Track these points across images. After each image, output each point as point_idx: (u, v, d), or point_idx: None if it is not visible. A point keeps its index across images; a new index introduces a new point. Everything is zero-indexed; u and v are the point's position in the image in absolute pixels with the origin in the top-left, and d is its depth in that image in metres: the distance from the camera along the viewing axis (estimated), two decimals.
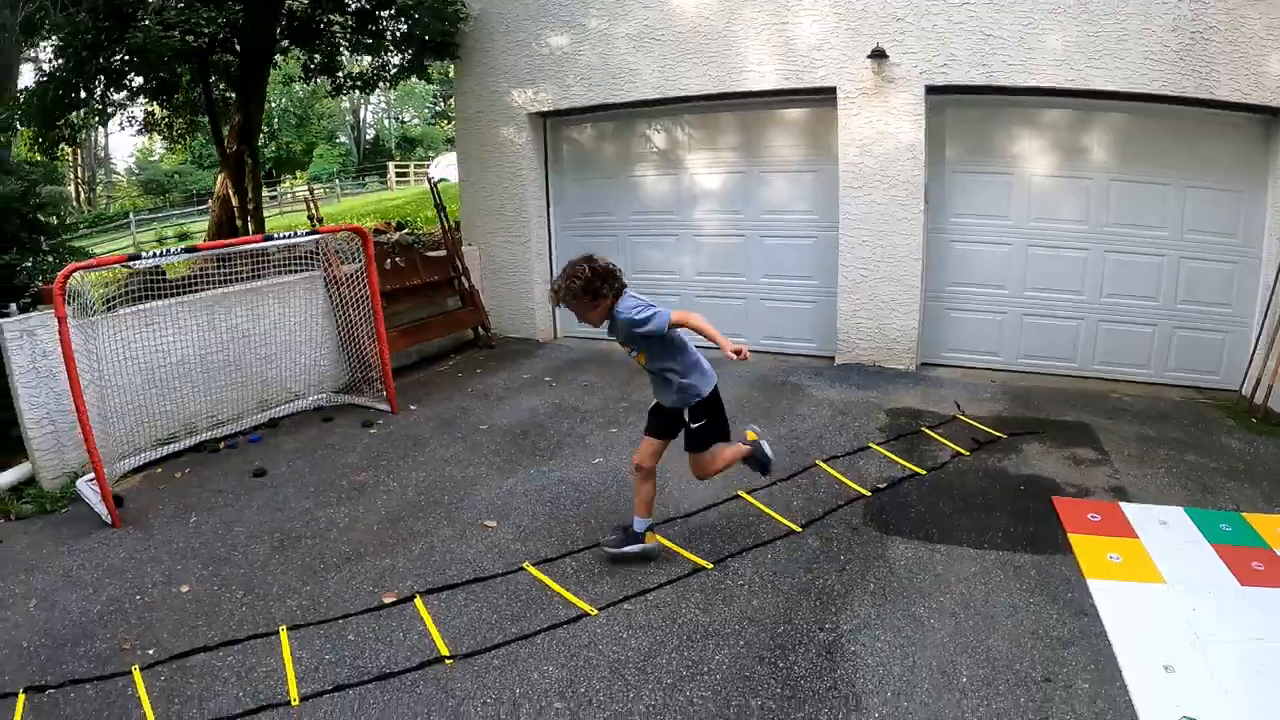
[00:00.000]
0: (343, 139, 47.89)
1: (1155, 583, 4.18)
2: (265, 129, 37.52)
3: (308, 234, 7.56)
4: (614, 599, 4.09)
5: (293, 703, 3.55)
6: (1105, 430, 6.36)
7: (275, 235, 7.34)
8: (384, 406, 7.57)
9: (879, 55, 7.61)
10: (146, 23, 8.25)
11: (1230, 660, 3.53)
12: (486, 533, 4.96)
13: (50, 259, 7.94)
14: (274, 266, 7.59)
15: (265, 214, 15.55)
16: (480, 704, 3.41)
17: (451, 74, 10.57)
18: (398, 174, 38.24)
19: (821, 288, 8.63)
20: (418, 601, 4.22)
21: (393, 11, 10.51)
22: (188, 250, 6.81)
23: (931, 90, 7.69)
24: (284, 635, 4.01)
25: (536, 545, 4.75)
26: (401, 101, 49.40)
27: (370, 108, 50.83)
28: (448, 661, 3.71)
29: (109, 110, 13.45)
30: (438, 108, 49.18)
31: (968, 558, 4.39)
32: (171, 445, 6.81)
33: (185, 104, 15.05)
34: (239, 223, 12.19)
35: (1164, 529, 4.75)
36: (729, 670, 3.48)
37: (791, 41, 8.08)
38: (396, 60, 11.83)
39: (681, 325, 4.28)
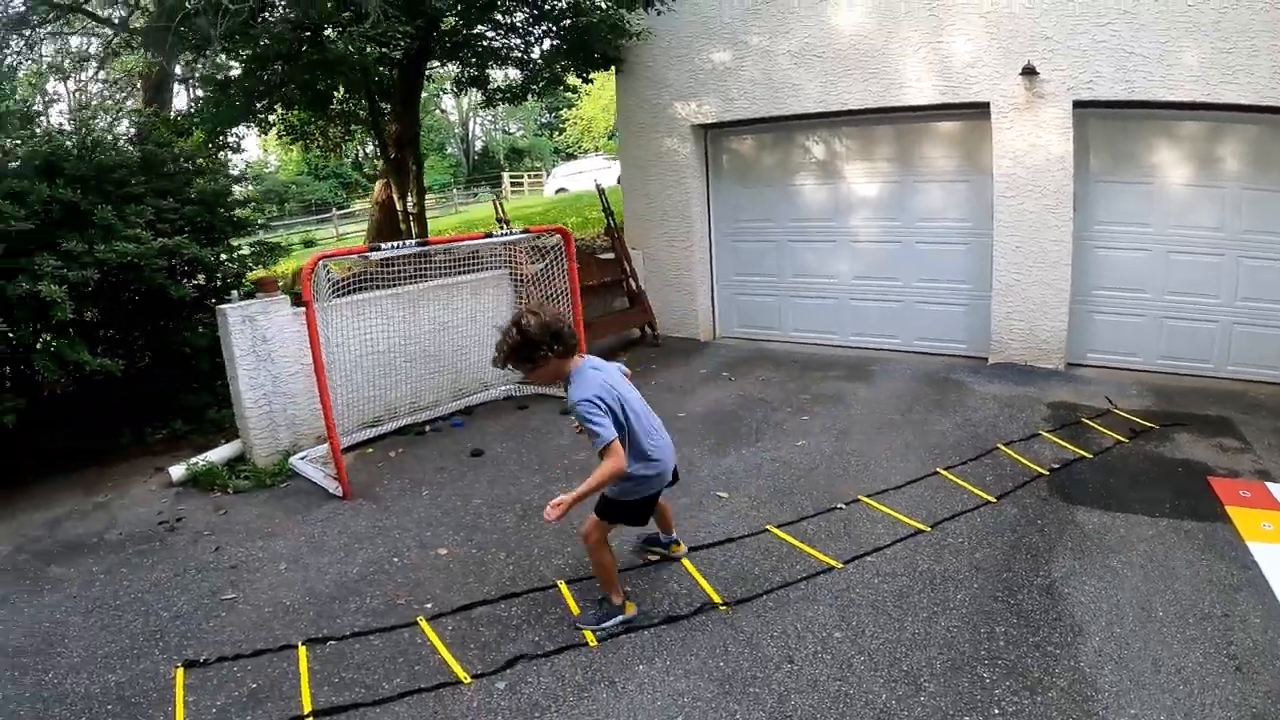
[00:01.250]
0: (451, 150, 48.76)
1: None
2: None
3: (520, 232, 8.30)
4: (856, 554, 4.89)
5: (590, 644, 4.08)
6: (1245, 424, 6.96)
7: (493, 233, 8.03)
8: None
9: (1030, 72, 8.17)
10: (350, 31, 8.62)
11: None
12: (722, 502, 5.72)
13: (247, 251, 8.69)
14: (437, 268, 7.99)
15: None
16: (769, 636, 4.07)
17: (615, 86, 11.16)
18: (512, 183, 38.91)
19: (973, 291, 9.17)
20: (683, 558, 4.87)
21: (555, 27, 10.99)
22: (420, 244, 7.38)
23: (1078, 105, 8.19)
24: (563, 588, 4.57)
25: (771, 511, 5.51)
26: (510, 114, 49.95)
27: (478, 120, 51.64)
28: (722, 608, 4.31)
29: (270, 120, 14.03)
30: (544, 120, 49.94)
31: (1143, 524, 5.13)
32: (376, 428, 7.47)
33: (340, 114, 15.98)
34: (403, 226, 12.63)
35: None
36: (971, 606, 4.30)
37: (946, 59, 8.66)
38: (546, 74, 12.20)
39: (606, 461, 3.85)
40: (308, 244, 25.60)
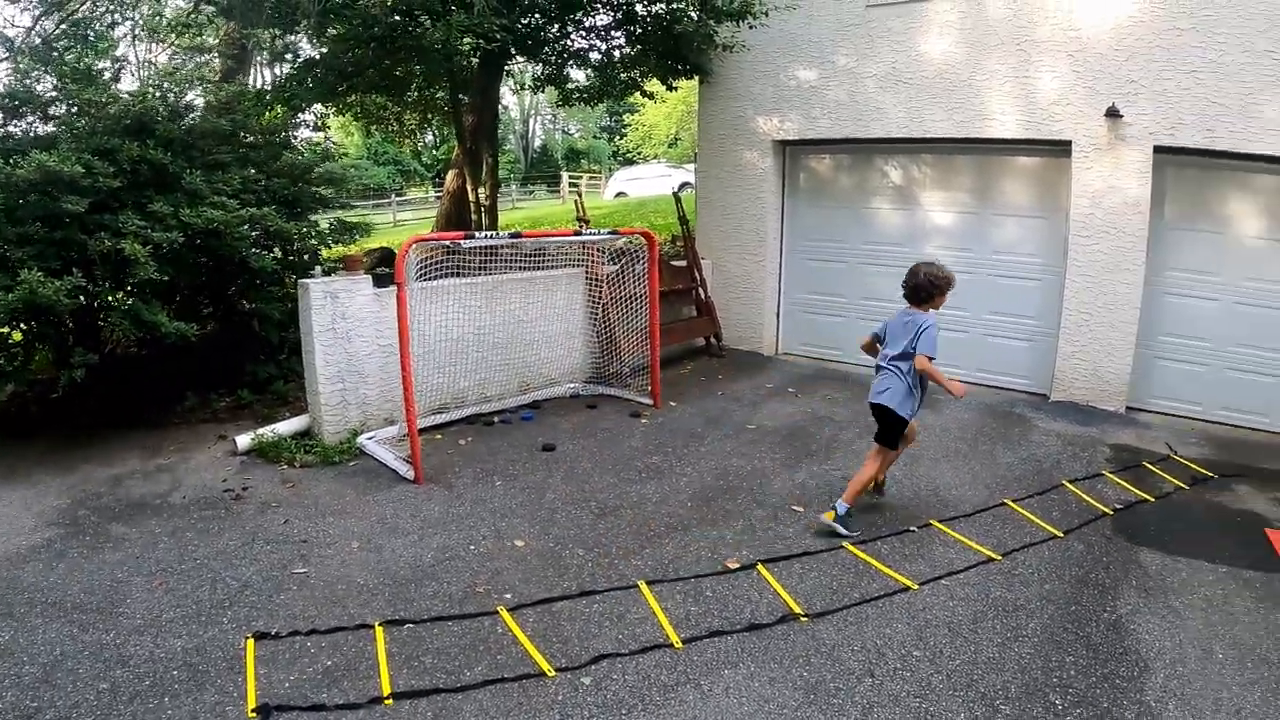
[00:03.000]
0: (510, 146, 48.68)
1: None
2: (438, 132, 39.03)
3: (608, 232, 8.58)
4: (930, 576, 5.12)
5: (676, 646, 4.19)
6: None
7: (583, 231, 8.31)
8: (646, 400, 8.38)
9: (1114, 114, 8.34)
10: (448, 20, 8.75)
11: None
12: (797, 516, 5.94)
13: (325, 228, 8.81)
14: (504, 262, 8.21)
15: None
16: (849, 650, 4.25)
17: (699, 96, 11.35)
18: (571, 184, 39.04)
19: (1040, 328, 9.34)
20: (760, 568, 5.04)
21: (642, 32, 11.05)
22: (514, 236, 7.51)
23: (1159, 150, 8.33)
24: (645, 588, 4.69)
25: None
26: (571, 114, 49.98)
27: (539, 118, 51.73)
28: (802, 619, 4.48)
29: (349, 101, 14.42)
30: (604, 122, 50.09)
31: (1204, 569, 5.35)
32: (443, 415, 7.64)
33: (418, 101, 16.21)
34: (473, 216, 12.83)
35: None
36: (1042, 635, 4.54)
37: (1031, 95, 8.83)
38: (624, 77, 12.36)
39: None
40: (366, 228, 25.50)
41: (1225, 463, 7.43)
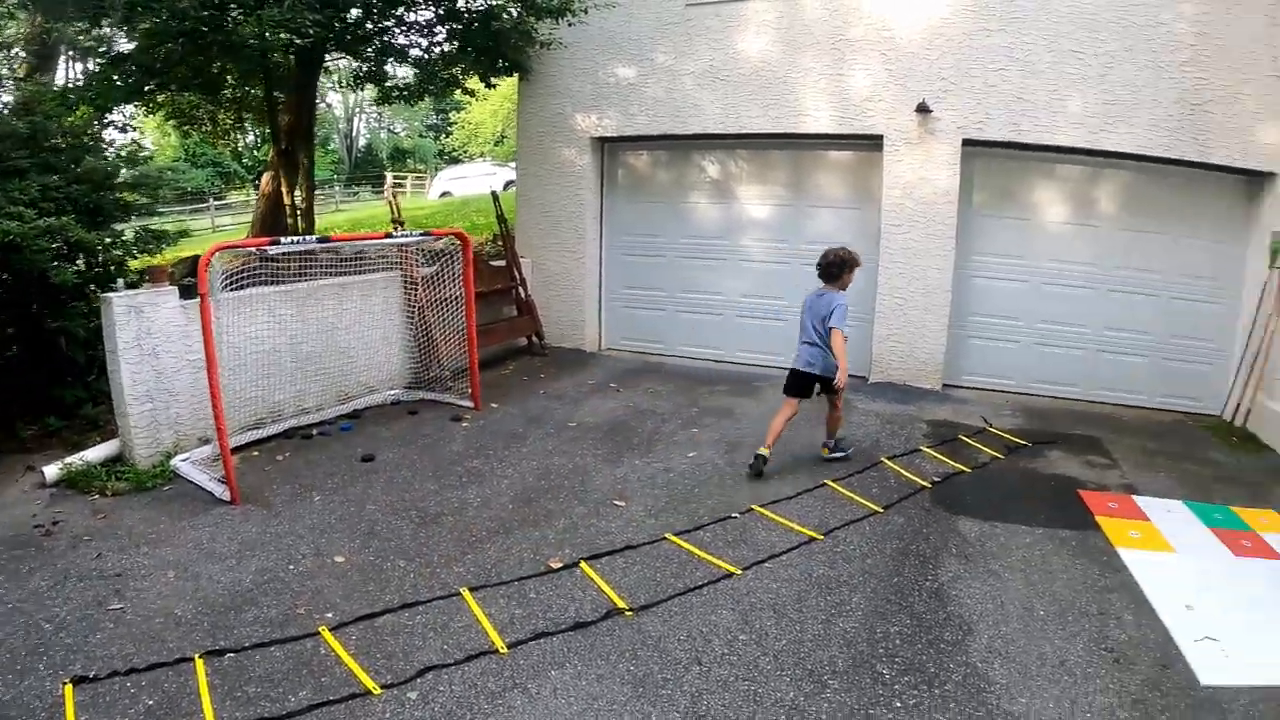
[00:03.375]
0: (334, 145, 47.36)
1: (1167, 551, 5.35)
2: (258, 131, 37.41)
3: (421, 234, 8.17)
4: (753, 560, 5.02)
5: (501, 651, 4.02)
6: (1112, 442, 7.52)
7: (394, 234, 7.90)
8: (467, 403, 8.10)
9: (923, 110, 8.63)
10: (259, 15, 8.39)
11: (1234, 602, 4.74)
12: (619, 510, 5.77)
13: (130, 237, 8.00)
14: (322, 267, 7.78)
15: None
16: (676, 640, 4.13)
17: (518, 93, 11.18)
18: (396, 184, 37.43)
19: (856, 314, 9.10)
20: (583, 565, 4.88)
21: (462, 29, 10.80)
22: (322, 240, 7.10)
23: (968, 143, 8.70)
24: (468, 595, 4.50)
25: (669, 520, 5.58)
26: (397, 113, 48.88)
27: (363, 116, 50.42)
28: (627, 614, 4.35)
29: (159, 100, 13.56)
30: (429, 121, 49.15)
31: (1021, 532, 5.49)
32: (261, 430, 7.16)
33: (232, 101, 15.40)
34: (290, 220, 12.23)
35: (1169, 515, 5.94)
36: (866, 608, 4.49)
37: (845, 91, 9.05)
38: (445, 75, 11.99)
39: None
40: (181, 234, 24.15)
41: (1038, 431, 7.77)
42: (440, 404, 8.25)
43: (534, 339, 10.70)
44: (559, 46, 10.31)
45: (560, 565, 4.95)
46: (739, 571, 4.90)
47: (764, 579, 4.82)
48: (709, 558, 5.07)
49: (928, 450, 7.10)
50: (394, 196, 12.01)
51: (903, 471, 6.59)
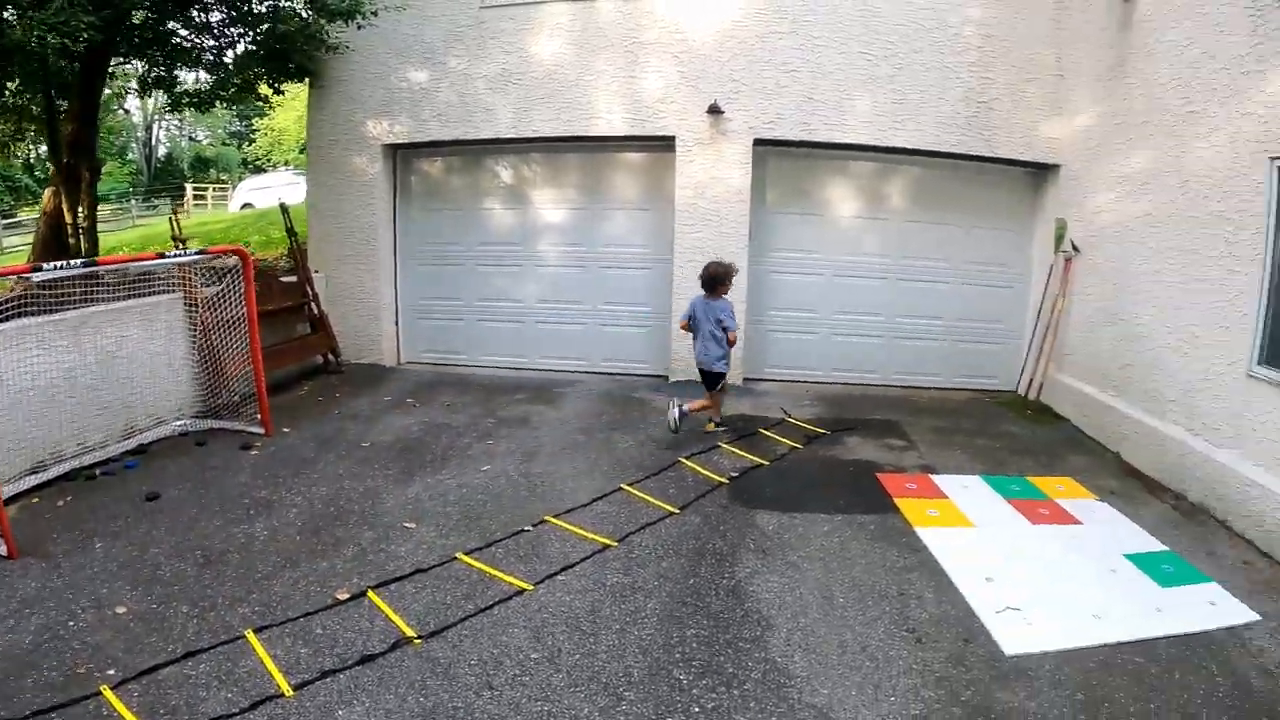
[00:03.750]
0: (133, 155, 44.46)
1: (967, 527, 5.51)
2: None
3: (195, 253, 7.57)
4: (546, 574, 4.83)
5: (286, 694, 3.77)
6: (909, 424, 7.78)
7: (167, 254, 7.23)
8: (257, 430, 7.63)
9: (715, 111, 8.72)
10: (31, 17, 7.73)
11: (1032, 571, 4.91)
12: (409, 533, 5.45)
13: None
14: (110, 290, 7.35)
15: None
16: (466, 665, 3.92)
17: (308, 99, 10.64)
18: (196, 196, 35.76)
19: (654, 313, 9.60)
20: (371, 594, 4.59)
21: (252, 32, 10.30)
22: (87, 264, 6.55)
23: (759, 143, 8.87)
24: (252, 637, 4.19)
25: (460, 539, 5.33)
26: (198, 120, 45.84)
27: (163, 124, 47.27)
28: (415, 642, 4.11)
29: None
30: (233, 128, 46.89)
31: (820, 520, 5.53)
32: (41, 474, 6.49)
33: (11, 109, 14.12)
34: (71, 241, 11.23)
35: (967, 491, 6.14)
36: (661, 613, 4.36)
37: (638, 93, 9.03)
38: (238, 80, 11.17)
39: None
40: None
41: (838, 418, 7.95)
42: (231, 432, 7.74)
43: (330, 357, 10.15)
44: (347, 51, 9.89)
45: (348, 596, 4.64)
46: (531, 587, 4.70)
47: (557, 593, 4.64)
48: (501, 575, 4.85)
49: (726, 446, 7.10)
50: (175, 213, 11.24)
51: (700, 469, 6.55)
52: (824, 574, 4.78)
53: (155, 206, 36.83)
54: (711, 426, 7.52)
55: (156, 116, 43.69)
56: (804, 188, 9.26)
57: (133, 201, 35.77)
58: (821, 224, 9.22)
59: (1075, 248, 8.24)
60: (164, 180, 43.17)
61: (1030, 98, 8.60)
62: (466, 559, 5.07)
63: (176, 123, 47.60)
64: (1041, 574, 4.87)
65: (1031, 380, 8.80)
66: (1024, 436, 7.60)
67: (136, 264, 7.36)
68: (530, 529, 5.49)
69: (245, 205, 30.18)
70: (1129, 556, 5.12)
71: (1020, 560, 5.04)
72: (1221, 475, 5.81)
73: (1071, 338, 8.35)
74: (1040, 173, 8.92)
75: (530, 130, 9.39)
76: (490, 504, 5.94)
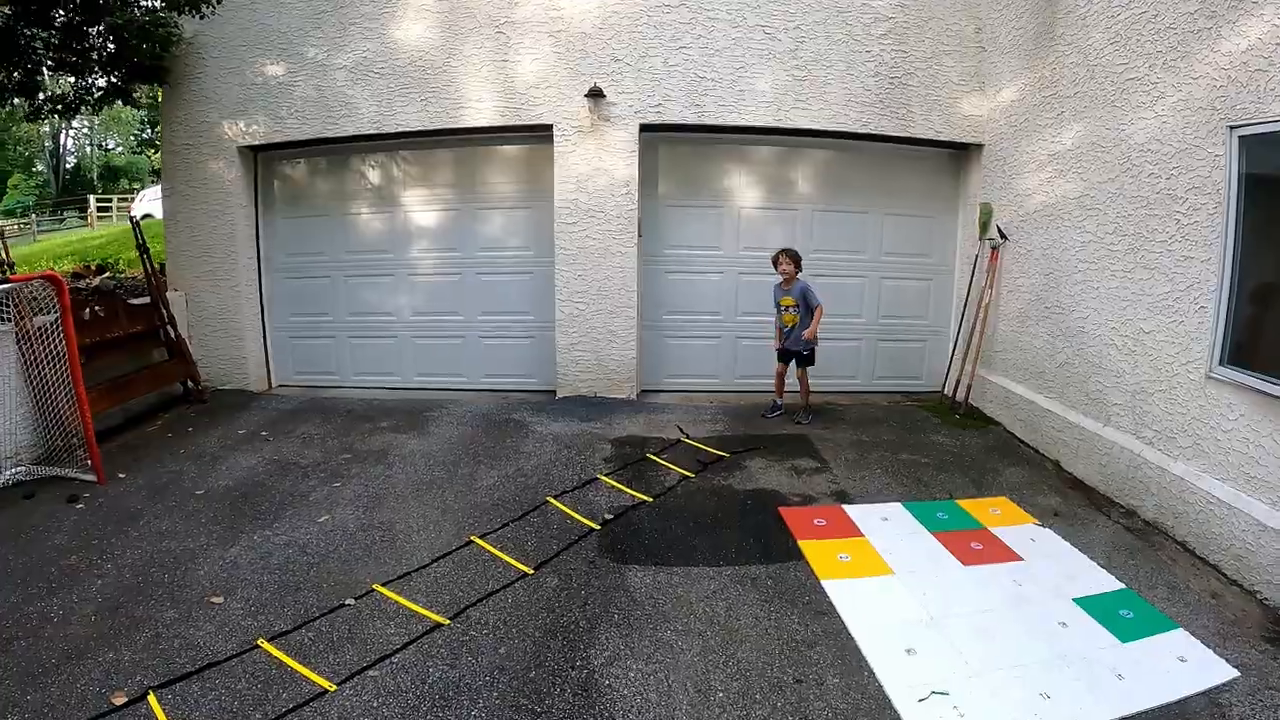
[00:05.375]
0: (40, 167, 43.16)
1: (885, 575, 4.57)
2: None
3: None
4: (356, 668, 3.87)
5: None
6: (822, 440, 6.89)
7: None
8: (89, 477, 6.76)
9: (596, 95, 7.85)
10: None
11: (966, 633, 3.95)
12: (214, 610, 4.52)
13: None
14: None
15: None
16: None
17: (161, 99, 9.65)
18: (100, 208, 34.25)
19: (538, 323, 8.74)
20: (150, 699, 3.78)
21: (101, 29, 9.25)
22: None
23: (646, 129, 8.03)
24: None
25: (269, 618, 4.40)
26: (106, 128, 45.01)
27: (72, 134, 46.02)
28: None
29: None
30: (144, 135, 45.61)
31: (705, 577, 4.56)
32: None
33: None
34: None
35: (886, 524, 5.22)
36: None
37: (511, 79, 8.15)
38: (103, 83, 10.36)
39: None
40: None
41: (740, 436, 7.08)
42: (64, 480, 6.80)
43: (189, 384, 9.09)
44: (184, 44, 8.90)
45: (124, 701, 3.78)
46: (334, 688, 3.72)
47: (364, 694, 3.67)
48: (302, 670, 3.88)
49: (606, 479, 6.15)
50: (1, 237, 10.14)
51: (570, 512, 5.57)
52: (702, 656, 3.83)
53: (63, 219, 35.94)
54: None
55: (64, 125, 42.83)
56: (700, 177, 8.44)
57: (34, 216, 34.50)
58: (721, 216, 8.41)
59: (1003, 234, 7.49)
60: (74, 192, 42.01)
61: (948, 71, 7.87)
62: (269, 647, 4.11)
63: (86, 131, 46.66)
64: (975, 638, 3.93)
65: (959, 381, 8.02)
66: (951, 447, 6.77)
67: None
68: (352, 602, 4.50)
69: (146, 215, 29.08)
70: (1080, 602, 4.26)
71: (950, 619, 4.11)
72: (1179, 490, 5.04)
73: (1001, 333, 7.59)
74: (961, 153, 8.22)
75: (394, 124, 8.44)
76: (314, 569, 4.96)
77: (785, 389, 7.84)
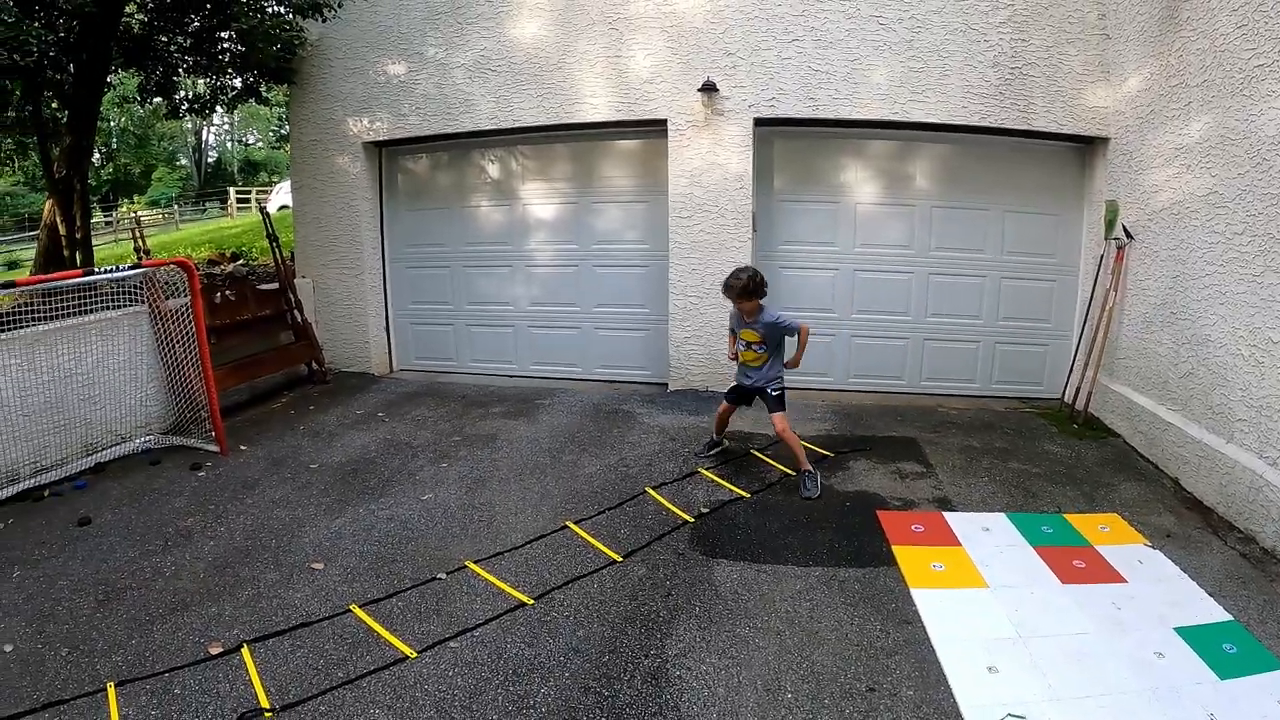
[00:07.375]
0: (183, 161, 45.48)
1: (978, 587, 4.40)
2: (102, 149, 35.01)
3: (131, 268, 7.15)
4: (439, 638, 3.98)
5: None
6: (931, 444, 6.67)
7: (97, 270, 6.86)
8: (213, 448, 7.17)
9: (710, 89, 7.79)
10: None
11: (1053, 656, 3.75)
12: (314, 575, 4.74)
13: None
14: (101, 301, 7.05)
15: (99, 241, 14.33)
16: None
17: (290, 97, 10.13)
18: (239, 200, 36.37)
19: (652, 316, 8.76)
20: (245, 650, 3.98)
21: (232, 34, 9.88)
22: (3, 286, 6.32)
23: (760, 123, 7.92)
24: (111, 693, 3.73)
25: (364, 586, 4.58)
26: (245, 124, 47.20)
27: (213, 130, 48.49)
28: (266, 715, 3.49)
29: None
30: (282, 130, 47.89)
31: (792, 576, 4.49)
32: None
33: (16, 122, 14.12)
34: (66, 253, 11.24)
35: (986, 535, 5.01)
36: (554, 703, 3.44)
37: (625, 74, 8.18)
38: (236, 83, 11.18)
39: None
40: (11, 265, 22.36)
41: (847, 436, 6.92)
42: (189, 450, 7.24)
43: (314, 366, 9.54)
44: (309, 46, 9.35)
45: (220, 651, 4.01)
46: (414, 655, 3.86)
47: (441, 665, 3.77)
48: (388, 636, 4.04)
49: (706, 472, 6.12)
50: (138, 225, 10.73)
51: (666, 503, 5.57)
52: (777, 656, 3.76)
53: (204, 210, 38.12)
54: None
55: (205, 122, 45.12)
56: (814, 172, 8.25)
57: (176, 207, 36.68)
58: (836, 212, 8.20)
59: (1128, 234, 7.07)
60: (215, 185, 44.21)
61: (1070, 61, 7.45)
62: (360, 612, 4.29)
63: (226, 127, 48.93)
64: (1063, 661, 3.71)
65: (1079, 388, 7.61)
66: (1065, 457, 6.45)
67: (65, 282, 6.82)
68: (444, 577, 4.64)
69: (283, 207, 30.68)
70: (1181, 631, 3.98)
71: (1039, 639, 3.89)
72: None
73: (1125, 340, 7.16)
74: (1086, 147, 7.78)
75: (511, 120, 8.60)
76: (412, 543, 5.14)
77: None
